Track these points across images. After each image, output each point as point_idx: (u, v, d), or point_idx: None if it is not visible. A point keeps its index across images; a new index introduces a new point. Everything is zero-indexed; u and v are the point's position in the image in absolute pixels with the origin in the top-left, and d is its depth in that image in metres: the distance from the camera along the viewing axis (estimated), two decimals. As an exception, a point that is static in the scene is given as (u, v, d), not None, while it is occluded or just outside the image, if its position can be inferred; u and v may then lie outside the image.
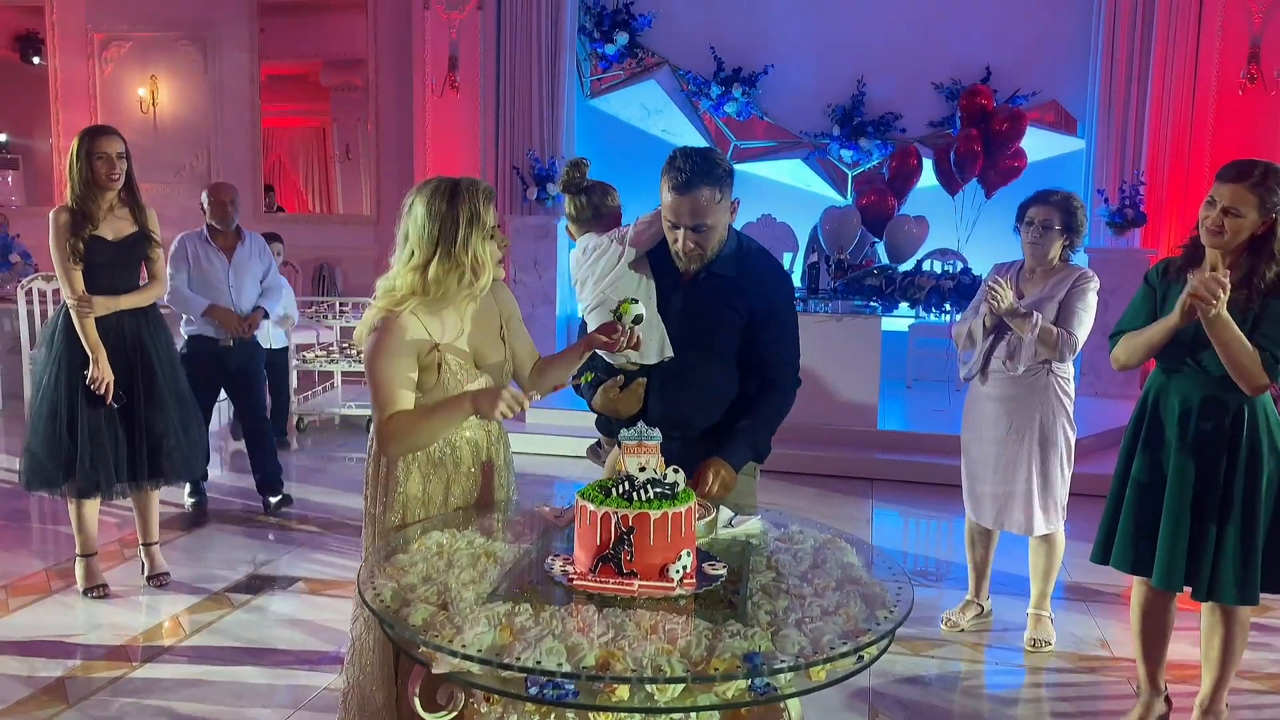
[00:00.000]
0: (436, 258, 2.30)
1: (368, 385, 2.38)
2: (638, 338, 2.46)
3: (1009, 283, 3.61)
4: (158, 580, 4.19)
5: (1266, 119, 7.10)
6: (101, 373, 3.84)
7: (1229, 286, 2.68)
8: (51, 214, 3.86)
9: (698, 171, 2.50)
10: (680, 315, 2.68)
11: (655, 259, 2.75)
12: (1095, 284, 3.59)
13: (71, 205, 3.83)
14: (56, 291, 4.00)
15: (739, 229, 2.78)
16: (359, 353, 2.21)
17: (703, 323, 2.66)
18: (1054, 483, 3.68)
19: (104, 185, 3.84)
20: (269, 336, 6.03)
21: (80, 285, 3.83)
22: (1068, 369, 3.67)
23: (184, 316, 5.12)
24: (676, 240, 2.59)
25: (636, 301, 2.41)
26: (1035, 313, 3.53)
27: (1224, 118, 7.16)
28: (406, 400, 2.34)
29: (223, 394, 5.45)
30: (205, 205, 5.20)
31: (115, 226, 3.91)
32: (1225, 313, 2.70)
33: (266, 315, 5.24)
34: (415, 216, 2.33)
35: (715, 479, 2.52)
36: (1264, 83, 7.07)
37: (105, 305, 3.88)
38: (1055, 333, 3.52)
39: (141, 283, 4.06)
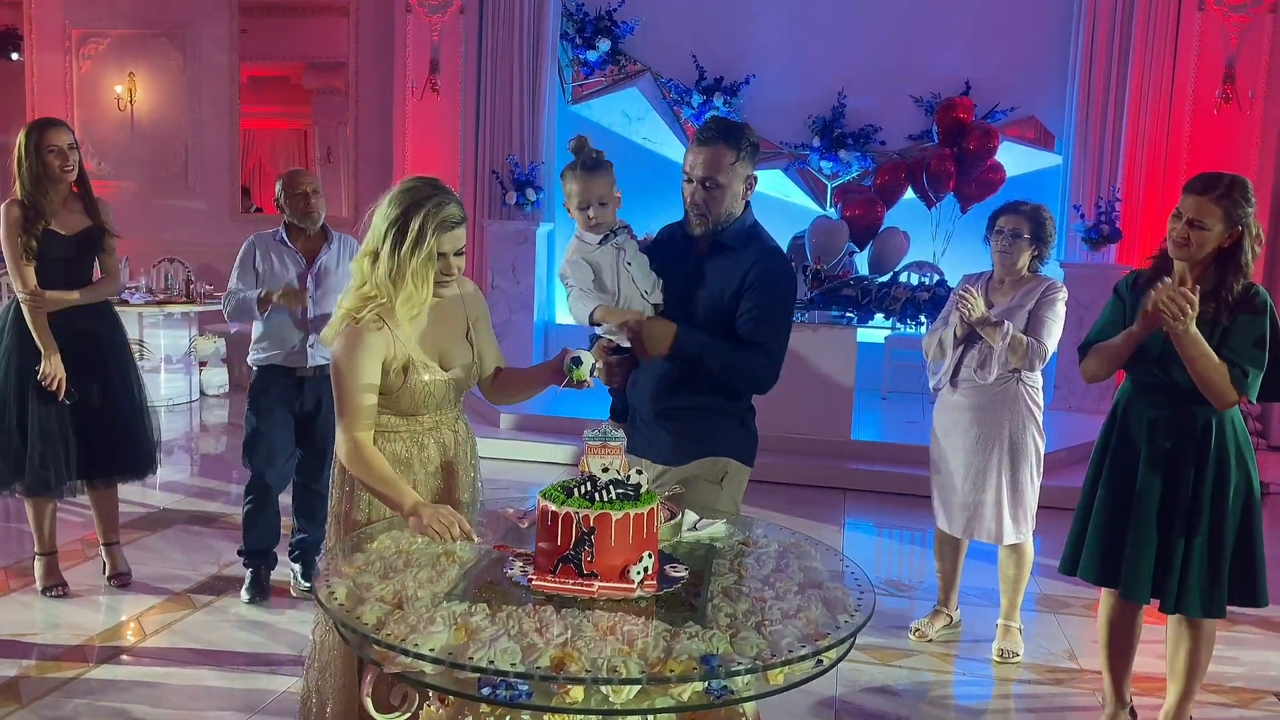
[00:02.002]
0: (382, 255, 2.31)
1: (334, 387, 2.37)
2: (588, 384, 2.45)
3: (978, 292, 3.62)
4: (119, 580, 4.12)
5: (1241, 138, 7.16)
6: (53, 369, 3.74)
7: (1197, 302, 2.69)
8: (1, 208, 3.77)
9: (720, 130, 2.61)
10: (683, 287, 2.70)
11: (665, 235, 2.83)
12: (1064, 294, 3.60)
13: (22, 200, 3.74)
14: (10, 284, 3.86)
15: None
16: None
17: (703, 294, 2.66)
18: (1023, 492, 3.68)
19: (57, 179, 3.76)
20: None
21: (32, 280, 3.73)
22: (1037, 378, 3.68)
23: (253, 339, 4.01)
24: (688, 196, 2.66)
25: (580, 363, 2.40)
26: (1005, 322, 3.53)
27: (1199, 136, 7.22)
28: (370, 407, 2.36)
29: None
30: (281, 198, 3.99)
31: (68, 221, 3.83)
32: (1194, 329, 2.70)
33: None
34: (384, 204, 2.36)
35: (653, 325, 2.53)
36: (1239, 102, 7.14)
37: (57, 300, 3.78)
38: (1025, 341, 3.53)
39: (95, 279, 3.94)
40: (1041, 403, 3.72)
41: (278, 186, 4.02)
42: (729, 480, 2.71)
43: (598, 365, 2.47)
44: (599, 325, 2.69)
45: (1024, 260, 3.64)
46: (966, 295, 3.55)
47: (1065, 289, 3.63)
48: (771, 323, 2.63)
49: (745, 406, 2.79)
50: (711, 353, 2.60)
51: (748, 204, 2.72)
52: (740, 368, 2.62)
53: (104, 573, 4.15)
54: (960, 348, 3.68)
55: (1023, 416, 3.65)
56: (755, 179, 2.69)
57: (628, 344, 2.63)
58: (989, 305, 3.65)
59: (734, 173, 2.61)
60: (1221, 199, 2.77)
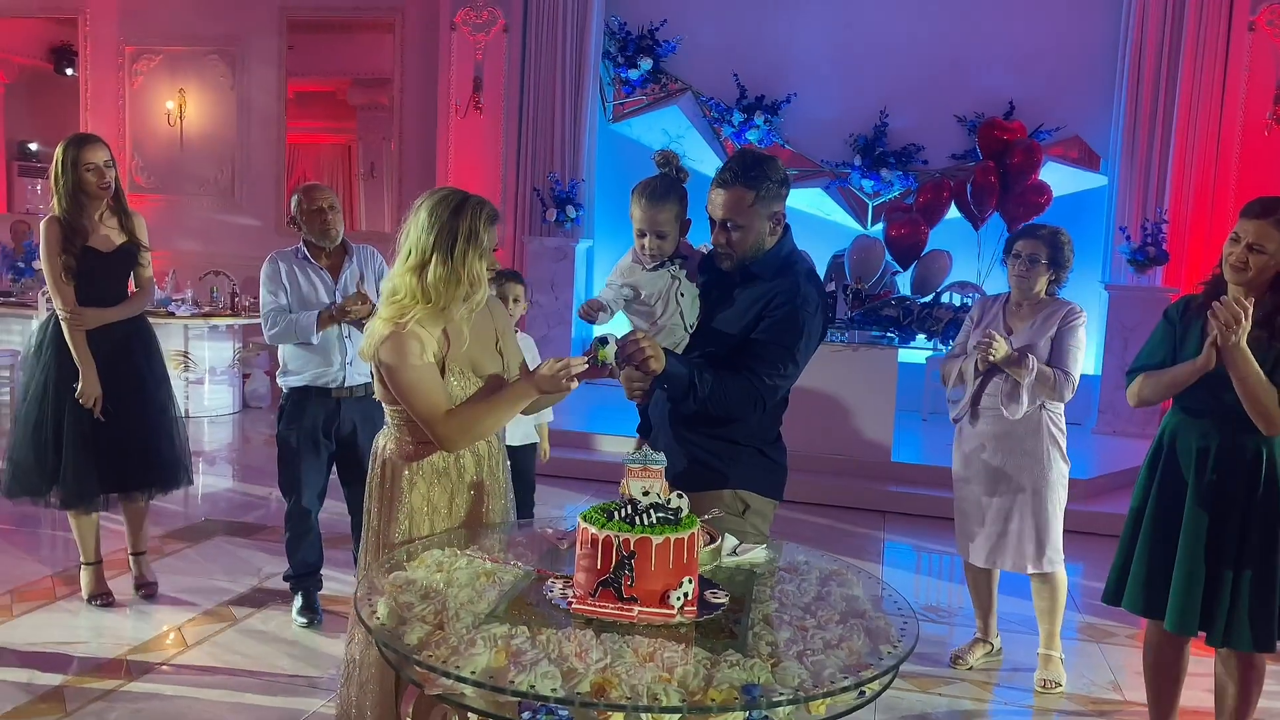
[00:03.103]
0: (433, 264, 2.34)
1: (398, 396, 2.39)
2: (617, 370, 2.45)
3: (994, 315, 3.66)
4: (145, 590, 4.14)
5: (1292, 160, 7.04)
6: (90, 388, 3.77)
7: (1250, 312, 2.65)
8: (42, 225, 3.83)
9: (738, 170, 2.56)
10: (709, 311, 2.69)
11: (707, 260, 2.77)
12: (1084, 319, 3.59)
13: (60, 217, 3.78)
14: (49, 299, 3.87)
15: None
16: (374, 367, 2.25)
17: (728, 319, 2.63)
18: (1049, 521, 3.63)
19: (94, 195, 3.81)
20: None
21: (72, 298, 3.78)
22: (1059, 405, 3.63)
23: (282, 365, 3.90)
24: (713, 237, 2.64)
25: (606, 342, 2.39)
26: (1029, 356, 3.49)
27: (1249, 158, 7.11)
28: (444, 390, 2.39)
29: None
30: (297, 215, 3.87)
31: (105, 237, 3.87)
32: (1245, 345, 2.67)
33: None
34: (419, 220, 2.39)
35: (649, 344, 2.40)
36: (1290, 124, 7.02)
37: (96, 318, 3.83)
38: (1052, 374, 3.50)
39: (130, 293, 3.99)
40: (1064, 428, 3.67)
41: (293, 202, 3.89)
42: (751, 513, 2.64)
43: (617, 367, 2.43)
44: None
45: (1041, 285, 3.61)
46: (989, 339, 3.50)
47: (1084, 313, 3.62)
48: (776, 351, 2.54)
49: (769, 439, 2.71)
50: (700, 382, 2.48)
51: (787, 229, 2.67)
52: (723, 398, 2.51)
53: (133, 582, 4.17)
54: (979, 378, 3.64)
55: (1045, 443, 3.61)
56: (782, 214, 2.62)
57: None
58: (1007, 331, 3.62)
59: (754, 213, 2.56)
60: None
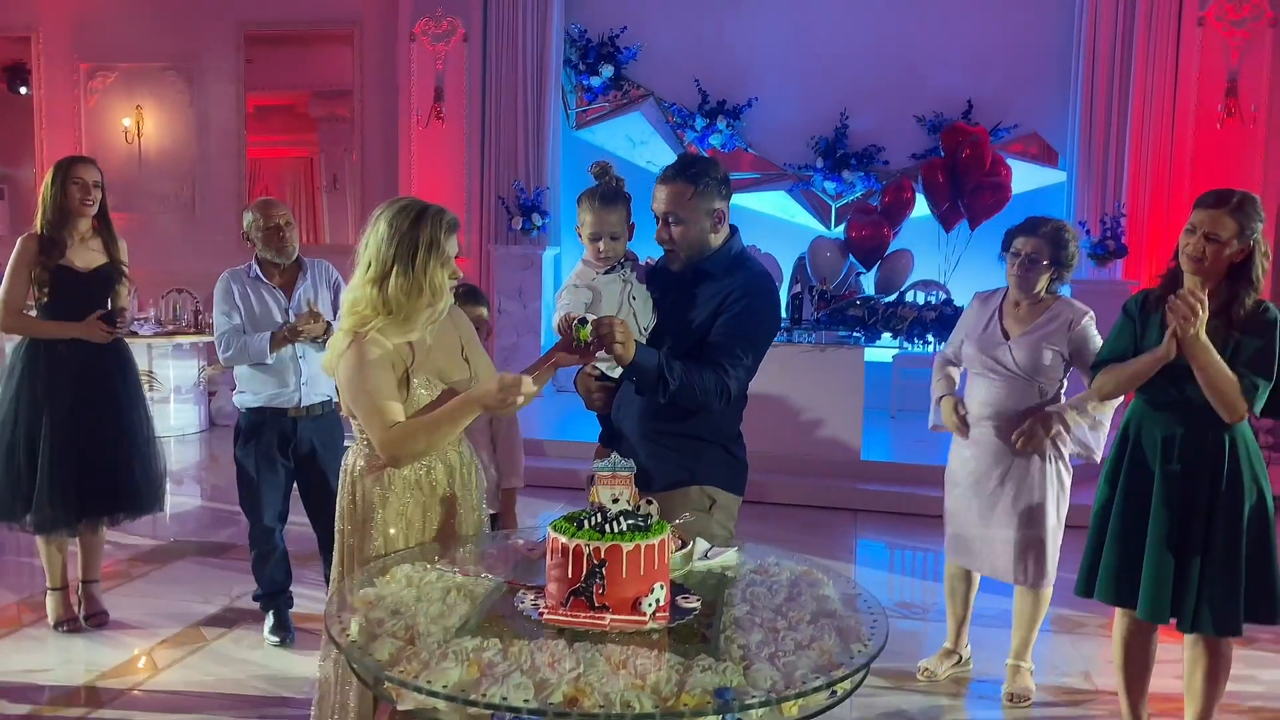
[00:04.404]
0: (394, 275, 2.33)
1: (352, 406, 2.38)
2: (597, 344, 2.45)
3: (991, 316, 3.53)
4: (96, 620, 4.05)
5: (1244, 153, 7.16)
6: (88, 326, 3.79)
7: (1206, 304, 2.70)
8: (20, 239, 3.81)
9: (678, 166, 2.67)
10: (667, 313, 2.71)
11: (661, 264, 2.83)
12: (1091, 317, 3.42)
13: (41, 232, 3.79)
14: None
15: None
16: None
17: (684, 319, 2.67)
18: (1050, 529, 3.47)
19: (77, 211, 3.80)
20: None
21: (16, 306, 3.77)
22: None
23: (240, 380, 3.87)
24: (658, 232, 2.70)
25: (586, 323, 2.42)
26: (1066, 414, 3.38)
27: (1203, 151, 7.23)
28: (399, 411, 2.35)
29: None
30: (253, 231, 3.78)
31: (86, 257, 3.86)
32: (1204, 335, 2.72)
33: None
34: (378, 231, 2.37)
35: (621, 329, 2.43)
36: (1241, 117, 7.14)
37: (58, 330, 3.81)
38: (1088, 399, 3.34)
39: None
40: (1066, 438, 3.48)
41: (247, 219, 3.80)
42: (718, 509, 2.70)
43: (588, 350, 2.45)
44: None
45: (1041, 285, 3.45)
46: (1032, 435, 3.39)
47: (1090, 310, 3.45)
48: (736, 342, 2.59)
49: (732, 435, 2.77)
50: (669, 372, 2.53)
51: (734, 232, 2.74)
52: (691, 387, 2.55)
53: (78, 610, 4.05)
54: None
55: (1047, 453, 3.45)
56: (723, 212, 2.67)
57: (612, 375, 2.68)
58: (1004, 335, 3.48)
59: (694, 207, 2.62)
60: (1235, 212, 2.79)
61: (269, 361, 3.72)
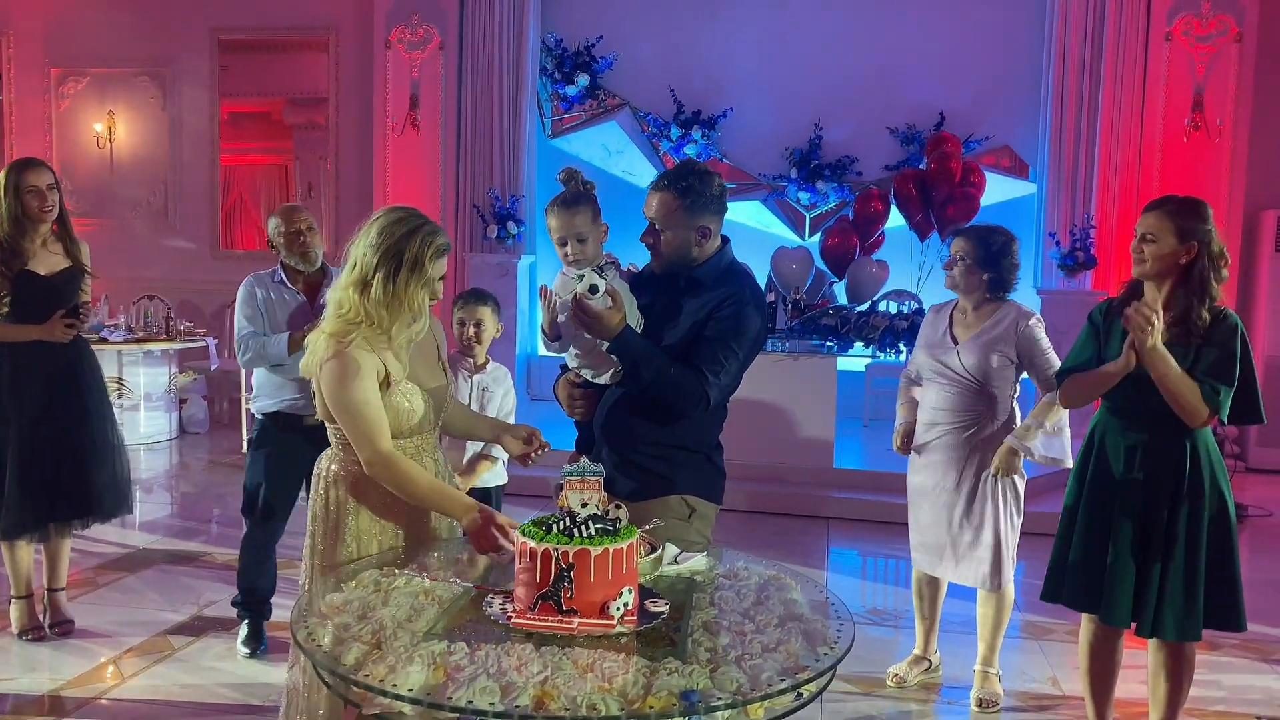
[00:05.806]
0: (375, 284, 2.33)
1: (337, 418, 2.37)
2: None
3: (942, 324, 3.58)
4: (62, 629, 4.00)
5: (1211, 165, 7.28)
6: (48, 328, 3.71)
7: (1160, 315, 2.75)
8: None
9: (673, 177, 2.66)
10: (655, 319, 2.71)
11: (647, 272, 2.81)
12: (1036, 319, 3.49)
13: (1, 242, 3.71)
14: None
15: None
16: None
17: (672, 326, 2.67)
18: (1004, 534, 3.53)
19: (37, 219, 3.75)
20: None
21: None
22: (1016, 416, 3.59)
23: (257, 385, 3.81)
24: (644, 234, 2.71)
25: (597, 291, 2.47)
26: (1024, 444, 3.42)
27: (1170, 164, 7.34)
28: (384, 419, 2.36)
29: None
30: (276, 237, 3.77)
31: (48, 261, 3.81)
32: (1161, 345, 2.76)
33: None
34: (369, 234, 2.38)
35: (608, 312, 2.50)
36: (1208, 130, 7.26)
37: (18, 333, 3.74)
38: (1044, 408, 3.41)
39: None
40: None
41: (270, 225, 3.79)
42: (697, 517, 2.70)
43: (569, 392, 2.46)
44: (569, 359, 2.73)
45: (974, 286, 3.48)
46: (1001, 469, 3.46)
47: (1036, 313, 3.52)
48: (721, 349, 2.60)
49: (712, 444, 2.78)
50: (648, 359, 2.56)
51: (725, 243, 2.74)
52: (670, 381, 2.57)
53: (43, 619, 4.00)
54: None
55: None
56: (710, 229, 2.66)
57: (598, 381, 2.69)
58: (953, 341, 3.53)
59: (679, 220, 2.62)
60: (1170, 214, 2.85)
61: (287, 363, 3.62)
